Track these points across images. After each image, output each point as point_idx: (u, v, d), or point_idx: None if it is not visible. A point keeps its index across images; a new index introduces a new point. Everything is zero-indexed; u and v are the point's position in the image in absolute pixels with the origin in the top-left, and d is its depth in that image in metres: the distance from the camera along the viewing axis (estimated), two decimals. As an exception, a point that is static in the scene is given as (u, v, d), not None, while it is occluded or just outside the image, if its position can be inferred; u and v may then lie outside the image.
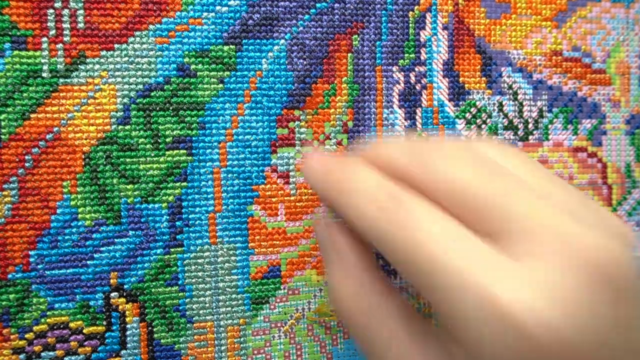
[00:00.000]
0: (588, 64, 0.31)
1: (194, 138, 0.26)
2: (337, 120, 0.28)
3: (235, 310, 0.27)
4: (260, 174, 0.27)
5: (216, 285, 0.26)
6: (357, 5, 0.28)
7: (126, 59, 0.25)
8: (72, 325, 0.25)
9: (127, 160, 0.25)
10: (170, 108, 0.26)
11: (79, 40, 0.25)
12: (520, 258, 0.15)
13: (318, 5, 0.27)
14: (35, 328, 0.24)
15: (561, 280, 0.14)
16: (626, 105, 0.31)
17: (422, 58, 0.29)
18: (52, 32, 0.25)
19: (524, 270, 0.14)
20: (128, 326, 0.25)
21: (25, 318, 0.24)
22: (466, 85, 0.29)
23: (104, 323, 0.25)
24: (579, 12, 0.31)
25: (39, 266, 0.24)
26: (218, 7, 0.26)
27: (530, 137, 0.30)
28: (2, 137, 0.24)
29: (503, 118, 0.30)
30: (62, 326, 0.25)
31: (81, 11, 0.25)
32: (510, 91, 0.30)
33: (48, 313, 0.25)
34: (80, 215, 0.25)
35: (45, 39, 0.24)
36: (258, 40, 0.27)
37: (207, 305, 0.26)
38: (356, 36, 0.28)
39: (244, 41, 0.26)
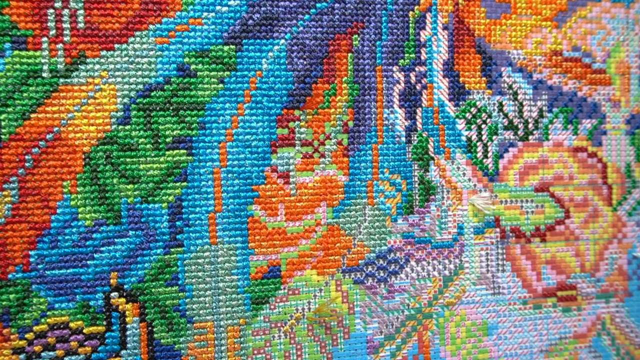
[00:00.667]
0: (588, 64, 0.31)
1: (194, 138, 0.26)
2: (338, 120, 0.28)
3: (235, 310, 0.27)
4: (260, 174, 0.27)
5: (216, 285, 0.26)
6: (357, 5, 0.28)
7: (126, 59, 0.25)
8: (72, 325, 0.25)
9: (127, 160, 0.25)
10: (170, 108, 0.26)
11: (79, 40, 0.25)
12: None
13: (318, 5, 0.27)
14: (35, 328, 0.24)
15: None
16: (626, 105, 0.31)
17: (422, 58, 0.29)
18: (52, 32, 0.25)
19: None
20: (128, 326, 0.25)
21: (25, 318, 0.24)
22: (466, 85, 0.29)
23: (104, 323, 0.25)
24: (579, 12, 0.31)
25: (39, 266, 0.24)
26: (218, 7, 0.26)
27: (530, 137, 0.30)
28: (2, 137, 0.24)
29: (503, 118, 0.30)
30: (62, 326, 0.25)
31: (81, 11, 0.25)
32: (510, 91, 0.30)
33: (48, 313, 0.25)
34: (80, 215, 0.25)
35: (45, 39, 0.24)
36: (258, 40, 0.27)
37: (207, 305, 0.26)
38: (356, 36, 0.28)
39: (244, 41, 0.26)
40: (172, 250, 0.26)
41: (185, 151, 0.26)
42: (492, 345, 0.30)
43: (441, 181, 0.29)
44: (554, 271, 0.30)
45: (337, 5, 0.27)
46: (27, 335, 0.24)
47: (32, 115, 0.24)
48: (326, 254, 0.28)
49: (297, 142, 0.27)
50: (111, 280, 0.25)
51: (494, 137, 0.30)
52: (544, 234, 0.30)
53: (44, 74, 0.24)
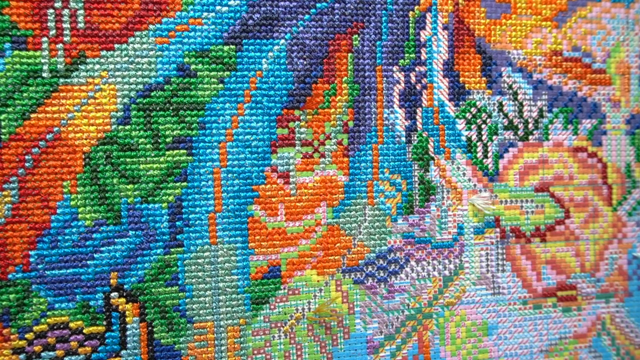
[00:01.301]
0: (588, 64, 0.31)
1: (194, 138, 0.26)
2: (338, 120, 0.28)
3: (235, 310, 0.27)
4: (260, 174, 0.27)
5: (216, 285, 0.26)
6: (357, 5, 0.28)
7: (126, 59, 0.25)
8: (72, 325, 0.25)
9: (127, 160, 0.25)
10: (170, 108, 0.26)
11: (79, 40, 0.25)
12: None
13: (318, 5, 0.27)
14: (35, 328, 0.24)
15: None
16: (626, 105, 0.31)
17: (422, 58, 0.29)
18: (52, 32, 0.25)
19: None
20: (128, 326, 0.25)
21: (25, 318, 0.24)
22: (466, 85, 0.29)
23: (104, 323, 0.25)
24: (579, 12, 0.31)
25: (39, 266, 0.24)
26: (218, 7, 0.26)
27: (530, 137, 0.30)
28: (2, 137, 0.24)
29: (503, 118, 0.30)
30: (62, 326, 0.25)
31: (81, 11, 0.25)
32: (510, 91, 0.30)
33: (48, 313, 0.25)
34: (80, 215, 0.25)
35: (45, 38, 0.24)
36: (258, 40, 0.27)
37: (207, 305, 0.26)
38: (356, 36, 0.28)
39: (244, 41, 0.26)
40: (172, 250, 0.26)
41: (185, 151, 0.26)
42: (492, 345, 0.30)
43: (441, 181, 0.29)
44: (554, 271, 0.30)
45: (337, 5, 0.27)
46: (27, 335, 0.24)
47: (32, 115, 0.24)
48: (326, 254, 0.28)
49: (297, 142, 0.27)
50: (111, 280, 0.25)
51: (494, 137, 0.30)
52: (544, 234, 0.30)
53: (44, 74, 0.24)
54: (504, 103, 0.30)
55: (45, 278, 0.25)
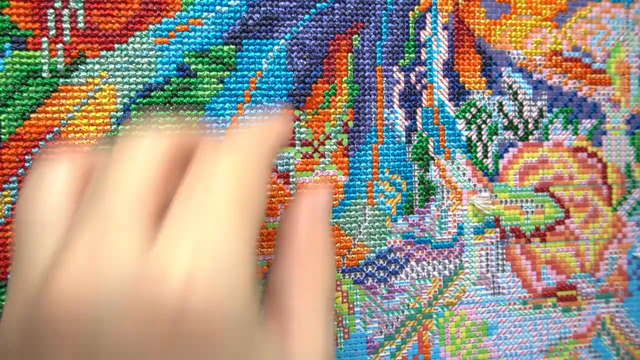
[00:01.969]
0: (588, 64, 0.31)
1: (194, 138, 0.26)
2: (338, 120, 0.28)
3: (235, 310, 0.27)
4: (261, 174, 0.27)
5: (216, 285, 0.26)
6: (357, 5, 0.28)
7: (126, 59, 0.25)
8: (72, 325, 0.25)
9: (127, 160, 0.25)
10: (170, 108, 0.26)
11: (79, 40, 0.25)
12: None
13: (318, 5, 0.27)
14: (35, 328, 0.24)
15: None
16: (626, 105, 0.31)
17: (422, 58, 0.29)
18: (52, 32, 0.25)
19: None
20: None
21: (25, 318, 0.24)
22: (466, 85, 0.29)
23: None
24: (579, 12, 0.31)
25: (39, 266, 0.24)
26: (218, 7, 0.26)
27: (530, 137, 0.30)
28: (2, 137, 0.24)
29: (503, 118, 0.30)
30: (62, 326, 0.25)
31: (81, 11, 0.25)
32: (510, 91, 0.30)
33: (48, 313, 0.25)
34: (80, 215, 0.25)
35: (45, 38, 0.24)
36: (258, 40, 0.27)
37: (207, 305, 0.26)
38: (356, 36, 0.28)
39: (244, 41, 0.26)
40: (172, 250, 0.26)
41: (185, 151, 0.26)
42: (492, 345, 0.30)
43: (441, 181, 0.29)
44: (554, 271, 0.30)
45: (337, 5, 0.27)
46: (27, 335, 0.24)
47: (32, 115, 0.24)
48: (326, 254, 0.28)
49: (297, 142, 0.27)
50: (111, 280, 0.25)
51: (494, 137, 0.30)
52: (544, 234, 0.30)
53: (44, 74, 0.24)
54: (504, 103, 0.30)
55: (45, 278, 0.25)
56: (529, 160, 0.30)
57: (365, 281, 0.28)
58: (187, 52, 0.26)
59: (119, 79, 0.25)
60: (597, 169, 0.31)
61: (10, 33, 0.24)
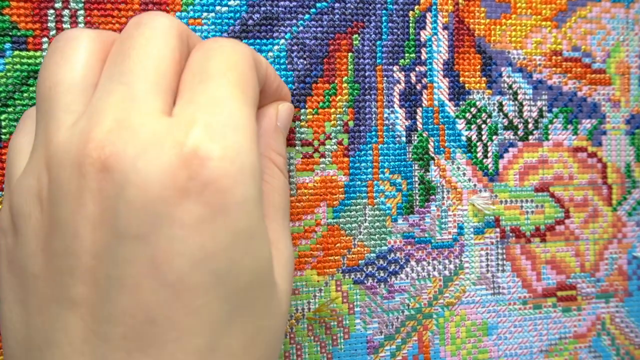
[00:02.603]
0: (588, 64, 0.31)
1: (194, 138, 0.26)
2: (338, 119, 0.28)
3: (235, 310, 0.27)
4: (261, 174, 0.27)
5: (216, 285, 0.26)
6: (358, 5, 0.28)
7: (126, 59, 0.25)
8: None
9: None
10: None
11: (79, 40, 0.25)
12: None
13: (318, 5, 0.27)
14: (35, 328, 0.24)
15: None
16: (626, 105, 0.31)
17: (422, 58, 0.29)
18: (53, 32, 0.25)
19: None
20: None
21: (26, 318, 0.24)
22: (466, 85, 0.29)
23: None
24: (579, 12, 0.31)
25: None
26: (218, 7, 0.26)
27: (530, 137, 0.30)
28: (2, 137, 0.24)
29: (503, 118, 0.30)
30: (62, 326, 0.25)
31: (81, 12, 0.25)
32: (510, 91, 0.30)
33: (48, 313, 0.25)
34: (80, 215, 0.25)
35: (45, 39, 0.24)
36: (258, 40, 0.27)
37: (208, 305, 0.26)
38: (356, 36, 0.28)
39: (244, 41, 0.26)
40: (172, 250, 0.26)
41: (185, 151, 0.26)
42: (492, 345, 0.30)
43: (441, 181, 0.29)
44: (554, 271, 0.30)
45: (337, 5, 0.27)
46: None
47: (32, 115, 0.24)
48: (326, 254, 0.28)
49: (297, 142, 0.27)
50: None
51: (494, 137, 0.30)
52: (544, 234, 0.30)
53: (44, 74, 0.24)
54: (504, 103, 0.30)
55: (46, 278, 0.25)
56: (529, 160, 0.30)
57: (366, 281, 0.28)
58: (187, 52, 0.26)
59: (119, 79, 0.25)
60: (597, 169, 0.31)
61: (10, 33, 0.24)
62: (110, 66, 0.18)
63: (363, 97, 0.28)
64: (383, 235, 0.28)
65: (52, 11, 0.24)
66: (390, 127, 0.28)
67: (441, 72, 0.29)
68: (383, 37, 0.28)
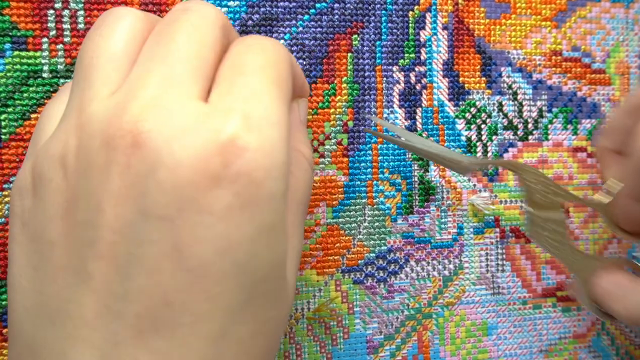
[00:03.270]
0: (588, 64, 0.31)
1: (193, 138, 0.26)
2: (337, 120, 0.28)
3: (235, 310, 0.27)
4: (260, 174, 0.27)
5: (216, 285, 0.26)
6: (357, 5, 0.28)
7: (126, 59, 0.25)
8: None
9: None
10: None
11: (80, 41, 0.25)
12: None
13: (318, 5, 0.27)
14: (35, 328, 0.24)
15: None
16: (626, 105, 0.31)
17: (422, 58, 0.29)
18: (53, 32, 0.25)
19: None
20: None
21: (26, 318, 0.24)
22: (466, 85, 0.29)
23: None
24: (578, 12, 0.31)
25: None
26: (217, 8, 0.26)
27: (530, 137, 0.30)
28: (2, 137, 0.24)
29: (503, 118, 0.30)
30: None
31: (81, 12, 0.25)
32: (510, 91, 0.30)
33: (48, 313, 0.25)
34: (80, 215, 0.25)
35: (45, 39, 0.25)
36: (258, 41, 0.27)
37: (207, 305, 0.26)
38: (356, 36, 0.28)
39: (243, 41, 0.26)
40: (172, 250, 0.26)
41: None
42: (492, 345, 0.30)
43: (441, 181, 0.29)
44: (553, 271, 0.30)
45: (336, 5, 0.27)
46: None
47: (32, 115, 0.24)
48: (326, 253, 0.28)
49: (296, 142, 0.27)
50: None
51: (493, 137, 0.30)
52: (544, 234, 0.30)
53: (44, 75, 0.25)
54: (503, 103, 0.30)
55: (46, 278, 0.25)
56: (529, 160, 0.30)
57: (365, 281, 0.28)
58: (187, 53, 0.26)
59: (119, 79, 0.25)
60: (596, 169, 0.31)
61: (10, 34, 0.24)
62: (152, 45, 0.18)
63: (362, 98, 0.28)
64: (382, 235, 0.28)
65: (52, 11, 0.25)
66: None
67: (441, 72, 0.29)
68: (382, 37, 0.28)
